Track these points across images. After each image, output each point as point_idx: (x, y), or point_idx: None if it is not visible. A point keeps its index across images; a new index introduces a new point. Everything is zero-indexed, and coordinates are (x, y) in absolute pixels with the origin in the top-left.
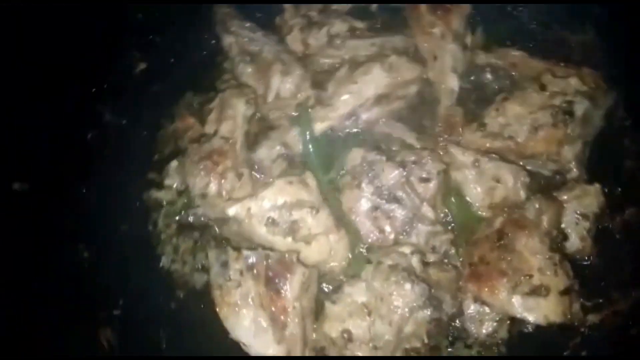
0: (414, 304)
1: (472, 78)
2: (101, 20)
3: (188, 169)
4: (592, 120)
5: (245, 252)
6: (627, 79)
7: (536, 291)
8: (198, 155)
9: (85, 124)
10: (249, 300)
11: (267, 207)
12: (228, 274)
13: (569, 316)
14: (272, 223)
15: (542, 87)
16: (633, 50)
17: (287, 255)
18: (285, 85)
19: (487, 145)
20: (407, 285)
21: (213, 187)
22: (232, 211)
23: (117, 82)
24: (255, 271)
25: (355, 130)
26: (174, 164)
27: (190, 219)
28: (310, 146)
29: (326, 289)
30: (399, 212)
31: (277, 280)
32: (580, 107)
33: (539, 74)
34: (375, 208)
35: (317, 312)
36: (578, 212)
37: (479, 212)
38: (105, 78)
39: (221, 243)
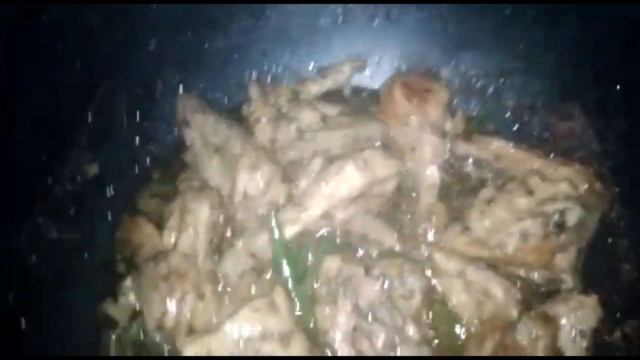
0: None
1: (452, 169)
2: (43, 120)
3: (143, 291)
4: (586, 226)
5: None
6: (621, 173)
7: None
8: (153, 277)
9: (26, 246)
10: None
11: (230, 343)
12: None
13: None
14: None
15: (530, 192)
16: (628, 141)
17: None
18: (253, 182)
19: (474, 252)
20: None
21: (170, 318)
22: (189, 352)
23: (64, 192)
24: None
25: (329, 230)
26: (127, 282)
27: (148, 347)
28: (281, 253)
29: None
30: (381, 334)
31: None
32: (573, 216)
33: (523, 169)
34: (355, 328)
35: None
36: (575, 328)
37: (468, 327)
38: (50, 189)
39: None
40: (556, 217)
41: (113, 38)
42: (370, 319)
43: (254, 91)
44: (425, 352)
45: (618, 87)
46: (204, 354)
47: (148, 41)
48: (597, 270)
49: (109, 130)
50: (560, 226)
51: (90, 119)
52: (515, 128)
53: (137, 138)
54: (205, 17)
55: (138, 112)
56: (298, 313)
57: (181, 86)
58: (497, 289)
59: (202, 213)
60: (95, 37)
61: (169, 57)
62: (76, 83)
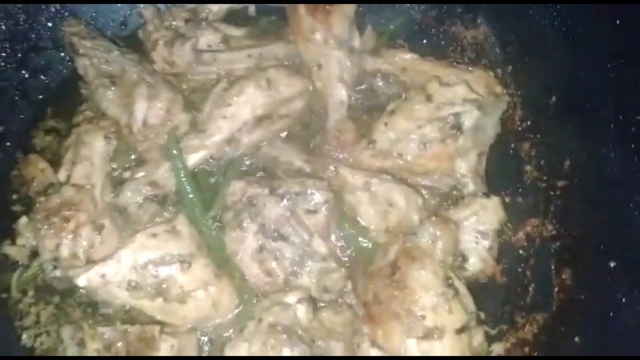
0: None
1: (363, 86)
2: None
3: (35, 228)
4: (484, 129)
5: (100, 330)
6: (522, 75)
7: (430, 334)
8: (46, 211)
9: None
10: None
11: (126, 269)
12: (85, 354)
13: (469, 354)
14: (134, 287)
15: (429, 98)
16: (527, 46)
17: (148, 330)
18: (153, 110)
19: (378, 164)
20: (285, 350)
21: (65, 249)
22: (81, 281)
23: None
24: (114, 349)
25: (236, 156)
26: (23, 220)
27: (49, 282)
28: (185, 181)
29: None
30: (287, 251)
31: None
32: (469, 118)
33: (427, 80)
34: (261, 249)
35: None
36: (477, 230)
37: (376, 239)
38: None
39: (86, 310)
40: (452, 119)
41: None
42: (276, 237)
43: (148, 13)
44: (333, 265)
45: None
46: (97, 281)
47: None
48: (500, 173)
49: None
50: (457, 128)
51: None
52: (424, 41)
53: (26, 70)
54: None
55: (24, 42)
56: (207, 240)
57: (67, 14)
58: (399, 197)
59: (97, 143)
60: None
61: None
62: None
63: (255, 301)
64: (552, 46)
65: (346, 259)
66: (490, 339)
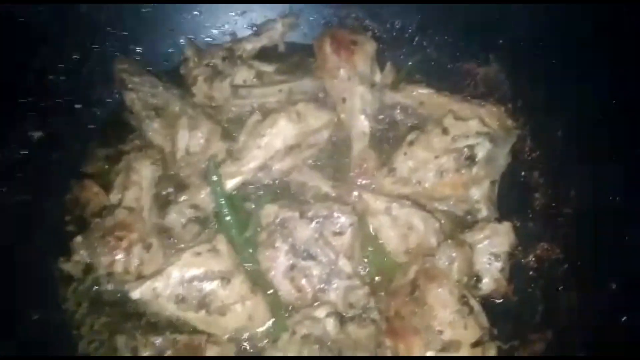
0: None
1: (384, 118)
2: None
3: (92, 246)
4: (496, 160)
5: (152, 339)
6: (531, 110)
7: (447, 347)
8: (101, 231)
9: None
10: None
11: (174, 283)
12: None
13: None
14: (181, 300)
15: (445, 131)
16: (535, 82)
17: (195, 339)
18: (193, 140)
19: (399, 190)
20: None
21: (119, 265)
22: (136, 294)
23: (12, 156)
24: (165, 356)
25: (268, 182)
26: (78, 239)
27: (102, 295)
28: (223, 204)
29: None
30: (315, 269)
31: None
32: (482, 150)
33: (443, 113)
34: (292, 267)
35: None
36: (489, 252)
37: (397, 259)
38: None
39: (135, 320)
40: (466, 151)
41: (46, 5)
42: (305, 257)
43: (189, 52)
44: (357, 283)
45: (525, 34)
46: (149, 294)
47: (80, 6)
48: (511, 200)
49: (52, 96)
50: (471, 159)
51: (32, 85)
52: (440, 77)
53: (80, 102)
54: None
55: (78, 77)
56: (243, 258)
57: (118, 53)
58: (418, 221)
59: (145, 170)
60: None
61: (104, 21)
62: (14, 48)
63: (286, 314)
64: (560, 83)
65: (369, 277)
66: (502, 354)
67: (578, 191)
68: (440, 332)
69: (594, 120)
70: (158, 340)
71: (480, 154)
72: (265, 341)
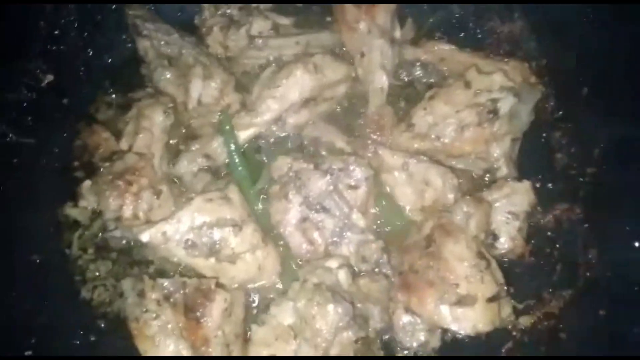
0: (338, 325)
1: (402, 74)
2: None
3: (101, 190)
4: (519, 116)
5: (160, 281)
6: (556, 68)
7: (463, 301)
8: (110, 175)
9: None
10: (169, 331)
11: (184, 228)
12: (144, 304)
13: (498, 323)
14: (191, 246)
15: (467, 85)
16: (562, 39)
17: (204, 282)
18: (207, 90)
19: (416, 146)
20: (330, 307)
21: (127, 209)
22: (145, 237)
23: (21, 99)
24: (172, 300)
25: (283, 135)
26: (86, 184)
27: (108, 241)
28: (235, 155)
29: (256, 310)
30: (328, 222)
31: (196, 309)
32: (505, 104)
33: (464, 69)
34: (304, 219)
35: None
36: (508, 211)
37: (411, 216)
38: (6, 95)
39: (142, 267)
40: (489, 104)
41: None
42: (318, 209)
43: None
44: (370, 237)
45: None
46: (159, 238)
47: None
48: (532, 160)
49: (63, 40)
50: (493, 113)
51: (43, 29)
52: (462, 35)
53: (91, 48)
54: None
55: (91, 22)
56: (254, 211)
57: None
58: (436, 177)
59: (156, 117)
60: None
61: None
62: None
63: (295, 268)
64: (584, 40)
65: (382, 233)
66: (518, 313)
67: (601, 150)
68: (456, 285)
69: (619, 80)
70: (166, 283)
71: (504, 108)
72: (272, 294)
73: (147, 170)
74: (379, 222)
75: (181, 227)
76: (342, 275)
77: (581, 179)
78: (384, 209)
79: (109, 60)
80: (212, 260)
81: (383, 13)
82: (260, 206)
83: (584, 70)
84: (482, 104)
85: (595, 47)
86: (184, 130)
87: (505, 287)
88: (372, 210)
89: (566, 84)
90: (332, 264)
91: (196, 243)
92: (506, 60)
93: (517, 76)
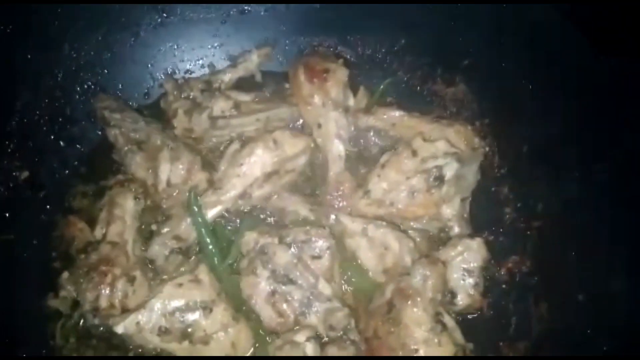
0: None
1: (358, 141)
2: None
3: (78, 282)
4: (465, 178)
5: None
6: (498, 127)
7: None
8: (86, 267)
9: None
10: None
11: (157, 316)
12: None
13: None
14: (164, 332)
15: (414, 153)
16: (500, 100)
17: None
18: (175, 171)
19: (373, 211)
20: None
21: (104, 300)
22: (120, 329)
23: None
24: None
25: (249, 208)
26: (65, 275)
27: (89, 329)
28: (204, 234)
29: None
30: (296, 293)
31: None
32: (450, 170)
33: (413, 135)
34: (273, 292)
35: None
36: (463, 268)
37: (376, 279)
38: None
39: (120, 352)
40: (435, 171)
41: (27, 44)
42: (285, 282)
43: (168, 86)
44: (337, 305)
45: (487, 55)
46: (133, 328)
47: (61, 45)
48: (483, 215)
49: (35, 136)
50: (440, 179)
51: (15, 126)
52: (410, 98)
53: (63, 140)
54: (114, 18)
55: (61, 116)
56: (226, 286)
57: (98, 89)
58: (394, 241)
59: (127, 204)
60: (9, 44)
61: (83, 59)
62: None
63: (269, 339)
64: (523, 100)
65: (349, 298)
66: None
67: (544, 205)
68: (416, 350)
69: (558, 136)
70: None
71: (449, 173)
72: None
73: (121, 259)
74: (345, 287)
75: (153, 316)
76: (310, 348)
77: (528, 232)
78: (350, 274)
79: (81, 150)
80: (186, 343)
81: (335, 86)
82: (231, 280)
83: (522, 128)
84: (428, 171)
85: (532, 107)
86: (155, 212)
87: (464, 345)
88: (338, 277)
89: (508, 141)
90: (300, 337)
91: (169, 329)
92: (450, 123)
93: (461, 140)
